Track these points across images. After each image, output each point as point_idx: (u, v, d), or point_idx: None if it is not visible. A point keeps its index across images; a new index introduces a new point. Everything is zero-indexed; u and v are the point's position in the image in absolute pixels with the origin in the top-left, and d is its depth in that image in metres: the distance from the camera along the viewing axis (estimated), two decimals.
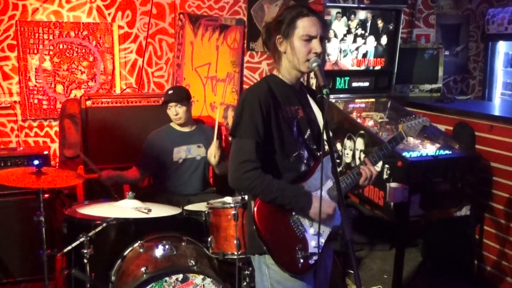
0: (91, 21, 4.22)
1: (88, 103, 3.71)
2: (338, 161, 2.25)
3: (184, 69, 4.47)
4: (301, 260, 1.93)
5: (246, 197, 2.43)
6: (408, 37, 5.22)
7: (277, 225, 1.94)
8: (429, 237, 4.11)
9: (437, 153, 3.39)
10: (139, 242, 2.75)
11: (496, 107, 4.67)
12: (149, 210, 2.69)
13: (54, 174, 2.83)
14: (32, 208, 3.23)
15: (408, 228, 3.51)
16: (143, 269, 2.47)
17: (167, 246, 2.65)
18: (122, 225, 2.86)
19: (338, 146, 3.97)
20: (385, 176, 3.35)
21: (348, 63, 4.31)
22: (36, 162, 2.80)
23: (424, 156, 3.35)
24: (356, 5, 4.46)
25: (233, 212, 2.64)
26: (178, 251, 2.66)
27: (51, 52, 4.14)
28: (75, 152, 3.97)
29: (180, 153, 3.40)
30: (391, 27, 4.34)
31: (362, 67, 4.37)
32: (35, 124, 4.21)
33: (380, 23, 4.30)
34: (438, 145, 3.52)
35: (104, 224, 2.78)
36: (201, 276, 2.50)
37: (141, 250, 2.70)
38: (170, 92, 3.42)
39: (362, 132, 3.73)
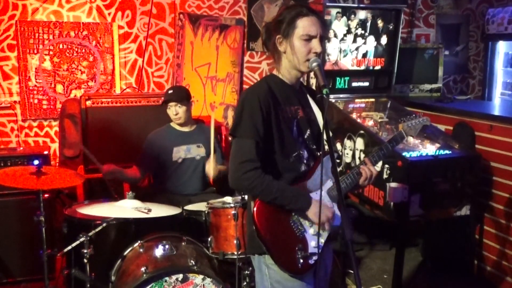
0: (91, 21, 4.22)
1: (88, 103, 3.71)
2: (338, 161, 2.25)
3: (184, 69, 4.47)
4: (301, 260, 1.93)
5: (246, 197, 2.43)
6: (408, 37, 5.22)
7: (277, 225, 1.94)
8: (429, 237, 4.11)
9: (437, 153, 3.39)
10: (139, 242, 2.75)
11: (496, 107, 4.66)
12: (149, 210, 2.69)
13: (54, 174, 2.83)
14: (32, 208, 3.23)
15: (408, 228, 3.51)
16: (143, 269, 2.47)
17: (167, 246, 2.65)
18: (122, 225, 2.87)
19: (338, 146, 3.97)
20: (385, 176, 3.35)
21: (348, 63, 4.31)
22: (36, 162, 2.80)
23: (424, 156, 3.35)
24: (356, 5, 4.46)
25: (233, 212, 2.64)
26: (178, 251, 2.66)
27: (51, 52, 4.14)
28: (75, 152, 3.97)
29: (180, 152, 3.40)
30: (391, 27, 4.34)
31: (362, 67, 4.37)
32: (35, 124, 4.21)
33: (380, 23, 4.30)
34: (438, 145, 3.52)
35: (104, 224, 2.78)
36: (201, 276, 2.50)
37: (141, 250, 2.70)
38: (170, 91, 3.42)
39: (362, 132, 3.73)
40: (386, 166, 3.34)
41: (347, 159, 3.89)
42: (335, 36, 4.19)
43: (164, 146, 3.39)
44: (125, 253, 2.76)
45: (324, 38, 1.98)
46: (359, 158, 3.74)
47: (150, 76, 4.47)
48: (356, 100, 4.38)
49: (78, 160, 3.90)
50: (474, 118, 3.76)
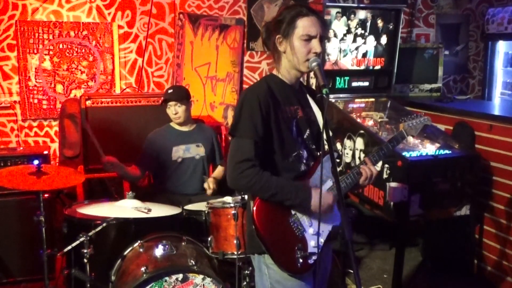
0: (91, 21, 4.22)
1: (88, 103, 3.71)
2: (338, 160, 2.25)
3: (184, 69, 4.47)
4: (300, 260, 1.93)
5: (246, 196, 2.43)
6: (408, 37, 5.22)
7: (276, 225, 1.94)
8: (429, 237, 4.11)
9: (437, 153, 3.39)
10: (139, 241, 2.75)
11: (496, 107, 4.66)
12: (149, 210, 2.69)
13: (54, 173, 2.83)
14: (32, 208, 3.23)
15: (408, 228, 3.51)
16: (143, 268, 2.47)
17: (167, 246, 2.65)
18: (122, 225, 2.87)
19: (338, 145, 3.97)
20: (385, 176, 3.35)
21: (348, 63, 4.31)
22: (36, 162, 2.80)
23: (424, 155, 3.35)
24: (356, 5, 4.46)
25: (233, 211, 2.64)
26: (178, 251, 2.66)
27: (51, 52, 4.14)
28: (75, 152, 3.97)
29: (179, 152, 3.40)
30: (391, 27, 4.34)
31: (362, 67, 4.37)
32: (35, 124, 4.21)
33: (380, 23, 4.30)
34: (438, 145, 3.52)
35: (104, 224, 2.78)
36: (201, 276, 2.50)
37: (141, 249, 2.70)
38: (169, 91, 3.43)
39: (362, 131, 3.73)
40: (386, 166, 3.34)
41: (347, 159, 3.89)
42: (335, 36, 4.19)
43: (163, 146, 3.39)
44: (125, 253, 2.76)
45: (324, 38, 1.98)
46: (359, 158, 3.74)
47: (150, 76, 4.47)
48: (356, 100, 4.38)
49: (78, 160, 3.90)
50: (474, 118, 3.76)
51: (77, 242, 2.69)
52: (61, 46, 4.16)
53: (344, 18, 4.17)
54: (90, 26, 4.20)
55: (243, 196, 2.67)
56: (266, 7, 4.71)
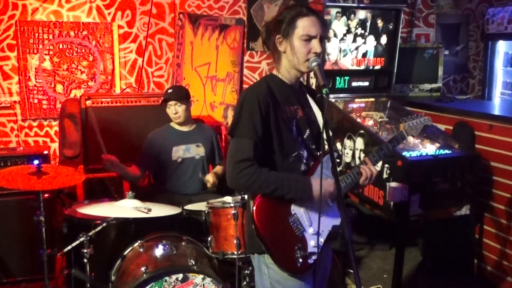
0: (91, 21, 4.22)
1: (88, 102, 3.70)
2: (338, 160, 2.25)
3: (184, 68, 4.47)
4: (300, 260, 1.93)
5: (246, 196, 2.43)
6: (408, 37, 5.22)
7: (276, 224, 1.94)
8: (429, 237, 4.11)
9: (437, 153, 3.39)
10: (139, 241, 2.75)
11: (496, 107, 4.66)
12: (149, 210, 2.70)
13: (54, 173, 2.83)
14: (32, 208, 3.24)
15: (408, 228, 3.51)
16: (143, 268, 2.47)
17: (167, 246, 2.65)
18: (122, 225, 2.87)
19: (338, 145, 3.97)
20: (385, 176, 3.35)
21: (347, 63, 4.31)
22: (36, 162, 2.80)
23: (424, 155, 3.35)
24: (355, 5, 4.46)
25: (233, 211, 2.64)
26: (178, 251, 2.66)
27: (51, 52, 4.14)
28: (75, 152, 3.97)
29: (179, 152, 3.40)
30: (391, 27, 4.34)
31: (362, 67, 4.37)
32: (35, 124, 4.21)
33: (379, 23, 4.30)
34: (438, 145, 3.52)
35: (104, 224, 2.78)
36: (201, 276, 2.50)
37: (141, 249, 2.70)
38: (169, 91, 3.43)
39: (362, 131, 3.73)
40: (386, 165, 3.34)
41: (347, 158, 3.89)
42: (335, 35, 4.19)
43: (163, 146, 3.39)
44: (125, 253, 2.76)
45: (324, 38, 1.98)
46: (359, 157, 3.74)
47: (150, 76, 4.47)
48: (356, 100, 4.38)
49: (78, 160, 3.90)
50: (474, 117, 3.75)
51: (77, 242, 2.69)
52: (61, 46, 4.16)
53: (344, 18, 4.17)
54: (90, 26, 4.20)
55: (243, 196, 2.67)
56: (266, 7, 4.71)
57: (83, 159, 3.75)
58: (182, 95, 3.40)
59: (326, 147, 1.91)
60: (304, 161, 2.03)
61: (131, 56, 4.39)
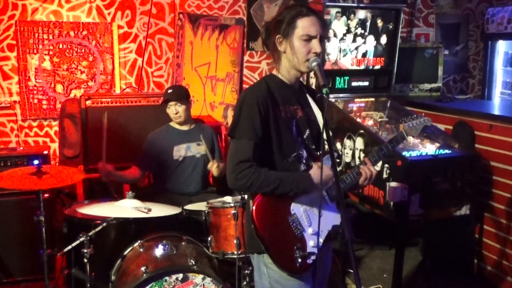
0: (91, 21, 4.22)
1: (88, 103, 3.70)
2: (337, 160, 2.25)
3: (183, 68, 4.47)
4: (299, 260, 1.93)
5: (246, 196, 2.43)
6: (407, 37, 5.22)
7: (275, 224, 1.95)
8: (429, 237, 4.11)
9: (436, 153, 3.39)
10: (139, 241, 2.75)
11: (496, 106, 4.66)
12: (149, 210, 2.70)
13: (54, 173, 2.84)
14: (32, 208, 3.23)
15: (408, 228, 3.51)
16: (143, 268, 2.47)
17: (167, 246, 2.65)
18: (122, 225, 2.87)
19: (338, 145, 3.97)
20: (384, 176, 3.36)
21: (347, 63, 4.31)
22: (36, 162, 2.81)
23: (423, 155, 3.35)
24: (355, 5, 4.46)
25: (233, 211, 2.64)
26: (178, 251, 2.66)
27: (50, 52, 4.14)
28: (75, 151, 3.97)
29: (180, 151, 3.41)
30: (391, 27, 4.34)
31: (362, 67, 4.37)
32: (35, 124, 4.21)
33: (379, 23, 4.30)
34: (437, 145, 3.52)
35: (104, 224, 2.78)
36: (201, 276, 2.50)
37: (141, 249, 2.70)
38: (169, 91, 3.43)
39: (361, 131, 3.73)
40: (386, 165, 3.34)
41: (347, 158, 3.89)
42: (335, 35, 4.19)
43: (164, 146, 3.40)
44: (125, 252, 2.76)
45: (324, 38, 1.98)
46: (359, 157, 3.74)
47: (150, 76, 4.47)
48: (356, 100, 4.38)
49: (78, 160, 3.90)
50: (474, 117, 3.76)
51: (77, 242, 2.69)
52: (61, 46, 4.16)
53: (344, 18, 4.17)
54: (90, 26, 4.20)
55: (243, 196, 2.67)
56: (266, 7, 4.71)
57: (83, 159, 3.75)
58: (182, 95, 3.40)
59: (326, 147, 1.91)
60: (304, 161, 2.03)
61: (131, 56, 4.39)
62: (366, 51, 4.34)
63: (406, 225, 3.40)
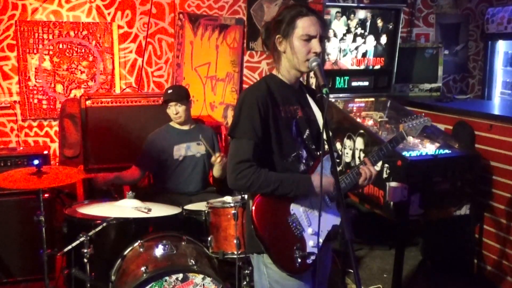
0: (91, 21, 4.22)
1: (88, 102, 3.70)
2: (337, 160, 2.25)
3: (183, 68, 4.47)
4: (299, 260, 1.93)
5: (246, 196, 2.44)
6: (407, 37, 5.22)
7: (275, 224, 1.95)
8: (428, 237, 4.11)
9: (436, 153, 3.39)
10: (139, 241, 2.75)
11: (496, 106, 4.66)
12: (149, 210, 2.70)
13: (55, 173, 2.84)
14: (32, 208, 3.24)
15: (408, 227, 3.51)
16: (143, 268, 2.47)
17: (167, 246, 2.65)
18: (122, 225, 2.87)
19: (338, 145, 3.97)
20: (384, 176, 3.36)
21: (347, 63, 4.31)
22: (36, 162, 2.81)
23: (423, 155, 3.35)
24: (355, 5, 4.46)
25: (233, 211, 2.64)
26: (178, 251, 2.66)
27: (50, 52, 4.14)
28: (75, 151, 3.98)
29: (180, 150, 3.41)
30: (391, 27, 4.34)
31: (362, 67, 4.37)
32: (35, 124, 4.21)
33: (379, 23, 4.30)
34: (437, 144, 3.52)
35: (104, 224, 2.78)
36: (201, 276, 2.50)
37: (141, 249, 2.70)
38: (169, 91, 3.43)
39: (361, 131, 3.73)
40: (386, 165, 3.34)
41: (347, 158, 3.89)
42: (335, 35, 4.19)
43: (165, 146, 3.40)
44: (125, 252, 2.76)
45: (324, 38, 1.98)
46: (359, 157, 3.74)
47: (150, 75, 4.47)
48: (356, 100, 4.38)
49: (78, 160, 3.90)
50: (474, 117, 3.76)
51: (77, 242, 2.69)
52: (61, 46, 4.16)
53: (344, 17, 4.17)
54: (90, 26, 4.20)
55: (243, 196, 2.67)
56: (266, 7, 4.71)
57: (83, 159, 3.75)
58: (182, 95, 3.41)
59: (326, 147, 1.91)
60: (304, 161, 2.03)
61: (131, 56, 4.39)
62: (366, 51, 4.34)
63: (406, 225, 3.40)
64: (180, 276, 2.48)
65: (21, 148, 3.87)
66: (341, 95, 4.32)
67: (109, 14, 4.27)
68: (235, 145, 1.94)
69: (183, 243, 2.76)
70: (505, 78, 5.33)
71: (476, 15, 5.46)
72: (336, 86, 4.31)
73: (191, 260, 2.54)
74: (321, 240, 1.98)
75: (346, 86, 4.35)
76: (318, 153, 2.06)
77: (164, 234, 2.81)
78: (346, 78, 4.33)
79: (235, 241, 2.63)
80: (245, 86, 4.73)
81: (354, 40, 4.26)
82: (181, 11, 4.43)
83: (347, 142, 3.88)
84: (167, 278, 2.46)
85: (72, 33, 4.16)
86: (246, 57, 4.76)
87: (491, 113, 3.85)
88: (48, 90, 4.18)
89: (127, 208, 2.72)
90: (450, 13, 5.38)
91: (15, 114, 4.14)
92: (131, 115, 3.80)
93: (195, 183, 3.43)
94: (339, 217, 2.01)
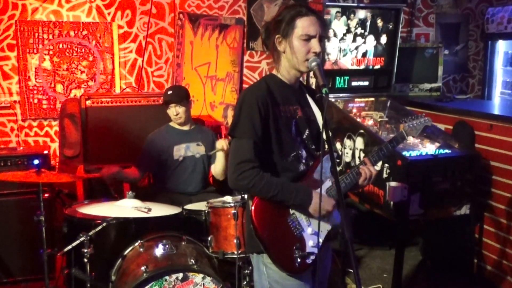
0: (91, 21, 4.22)
1: (88, 102, 3.70)
2: (337, 160, 2.25)
3: (183, 68, 4.47)
4: (299, 260, 1.93)
5: (246, 196, 2.43)
6: (407, 36, 5.22)
7: (274, 224, 1.95)
8: (428, 236, 4.11)
9: (436, 152, 3.39)
10: (139, 241, 2.75)
11: (496, 106, 4.66)
12: (149, 210, 2.70)
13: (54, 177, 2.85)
14: (32, 208, 3.23)
15: (408, 227, 3.51)
16: (143, 268, 2.47)
17: (167, 245, 2.65)
18: (122, 225, 2.87)
19: (338, 145, 3.97)
20: (384, 175, 3.36)
21: (347, 62, 4.31)
22: (36, 161, 2.81)
23: (423, 155, 3.35)
24: (355, 4, 4.46)
25: (233, 211, 2.64)
26: (178, 250, 2.66)
27: (50, 52, 4.14)
28: (75, 151, 3.98)
29: (180, 151, 3.41)
30: (391, 26, 4.34)
31: (362, 66, 4.37)
32: (35, 123, 4.21)
33: (379, 22, 4.30)
34: (437, 144, 3.52)
35: (104, 224, 2.78)
36: (201, 275, 2.51)
37: (141, 249, 2.70)
38: (169, 92, 3.43)
39: (361, 131, 3.73)
40: (386, 165, 3.34)
41: (347, 158, 3.89)
42: (335, 35, 4.19)
43: (164, 146, 3.40)
44: (125, 252, 2.76)
45: (323, 37, 1.98)
46: (359, 157, 3.74)
47: (150, 75, 4.47)
48: (356, 100, 4.38)
49: (78, 160, 3.90)
50: (474, 117, 3.76)
51: (77, 241, 2.69)
52: (61, 46, 4.16)
53: (344, 17, 4.17)
54: (90, 26, 4.20)
55: (243, 195, 2.67)
56: (266, 6, 4.71)
57: (83, 159, 3.75)
58: (182, 96, 3.40)
59: (326, 147, 1.92)
60: (303, 161, 2.03)
61: (131, 56, 4.39)
62: (366, 51, 4.34)
63: (406, 225, 3.40)
64: (180, 275, 2.48)
65: (21, 148, 3.87)
66: (341, 95, 4.32)
67: (109, 14, 4.27)
68: (235, 145, 1.94)
69: (183, 243, 2.76)
70: (505, 78, 5.33)
71: (476, 15, 5.46)
72: (336, 86, 4.31)
73: (191, 260, 2.55)
74: (321, 240, 1.98)
75: (346, 86, 4.35)
76: (318, 153, 2.06)
77: (164, 234, 2.81)
78: (346, 78, 4.33)
79: (235, 241, 2.63)
80: (245, 86, 4.73)
81: (354, 40, 4.26)
82: (181, 11, 4.43)
83: (347, 142, 3.88)
84: (167, 277, 2.46)
85: (72, 33, 4.16)
86: (246, 57, 4.76)
87: (491, 113, 3.85)
88: (48, 90, 4.18)
89: (127, 208, 2.72)
90: (450, 13, 5.38)
91: (15, 114, 4.14)
92: (131, 115, 3.80)
93: (195, 183, 3.43)
94: (339, 217, 2.01)
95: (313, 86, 3.70)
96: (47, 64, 4.15)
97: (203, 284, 2.51)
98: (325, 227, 2.01)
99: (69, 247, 2.73)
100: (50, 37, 4.12)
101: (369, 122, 4.04)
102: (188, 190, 3.39)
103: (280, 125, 1.97)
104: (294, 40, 1.93)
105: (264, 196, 1.91)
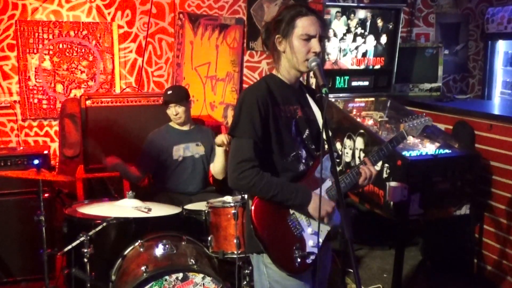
0: (91, 21, 4.22)
1: (88, 102, 3.70)
2: (337, 160, 2.25)
3: (183, 68, 4.47)
4: (298, 260, 1.93)
5: (246, 196, 2.43)
6: (407, 36, 5.23)
7: (274, 224, 1.95)
8: (428, 236, 4.11)
9: (436, 152, 3.39)
10: (139, 241, 2.75)
11: (496, 106, 4.66)
12: (149, 210, 2.70)
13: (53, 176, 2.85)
14: (32, 208, 3.24)
15: (408, 227, 3.51)
16: (143, 268, 2.47)
17: (167, 245, 2.65)
18: (122, 225, 2.87)
19: (338, 145, 3.97)
20: (384, 175, 3.36)
21: (347, 62, 4.31)
22: (36, 161, 2.81)
23: (423, 155, 3.35)
24: (355, 4, 4.46)
25: (233, 211, 2.64)
26: (178, 250, 2.66)
27: (50, 52, 4.14)
28: (75, 151, 3.98)
29: (180, 151, 3.41)
30: (391, 26, 4.34)
31: (362, 66, 4.37)
32: (35, 123, 4.21)
33: (379, 22, 4.30)
34: (437, 144, 3.52)
35: (104, 224, 2.78)
36: (201, 275, 2.51)
37: (141, 249, 2.70)
38: (169, 92, 3.43)
39: (362, 131, 3.73)
40: (386, 165, 3.34)
41: (347, 158, 3.89)
42: (335, 35, 4.19)
43: (164, 146, 3.40)
44: (125, 252, 2.76)
45: (323, 37, 1.98)
46: (359, 157, 3.74)
47: (150, 75, 4.47)
48: (356, 100, 4.38)
49: (78, 160, 3.90)
50: (474, 117, 3.76)
51: (77, 241, 2.69)
52: (61, 46, 4.16)
53: (344, 17, 4.17)
54: (90, 26, 4.20)
55: (243, 195, 2.67)
56: (266, 6, 4.71)
57: (83, 159, 3.75)
58: (182, 96, 3.41)
59: (326, 147, 1.92)
60: (303, 161, 2.03)
61: (131, 56, 4.39)
62: (366, 51, 4.34)
63: (406, 225, 3.40)
64: (180, 275, 2.48)
65: (21, 148, 3.88)
66: (341, 95, 4.32)
67: (109, 14, 4.27)
68: (235, 144, 1.94)
69: (183, 242, 2.76)
70: (505, 78, 5.33)
71: (476, 15, 5.46)
72: (336, 86, 4.31)
73: (191, 260, 2.55)
74: (320, 240, 1.98)
75: (346, 86, 4.35)
76: (318, 153, 2.06)
77: (164, 233, 2.81)
78: (346, 78, 4.33)
79: (235, 241, 2.63)
80: (245, 86, 4.73)
81: (354, 40, 4.26)
82: (181, 11, 4.43)
83: (347, 142, 3.88)
84: (167, 277, 2.46)
85: (72, 33, 4.16)
86: (246, 57, 4.76)
87: (491, 113, 3.85)
88: (48, 90, 4.18)
89: (127, 207, 2.73)
90: (450, 12, 5.38)
91: (15, 114, 4.14)
92: (131, 115, 3.80)
93: (195, 183, 3.43)
94: (339, 217, 2.01)
95: (313, 86, 3.70)
96: (47, 64, 4.15)
97: (203, 284, 2.51)
98: (325, 227, 2.01)
99: (69, 247, 2.73)
100: (50, 37, 4.12)
101: (369, 122, 4.04)
102: (188, 190, 3.40)
103: (280, 125, 1.97)
104: (294, 40, 1.94)
105: (264, 196, 1.91)
